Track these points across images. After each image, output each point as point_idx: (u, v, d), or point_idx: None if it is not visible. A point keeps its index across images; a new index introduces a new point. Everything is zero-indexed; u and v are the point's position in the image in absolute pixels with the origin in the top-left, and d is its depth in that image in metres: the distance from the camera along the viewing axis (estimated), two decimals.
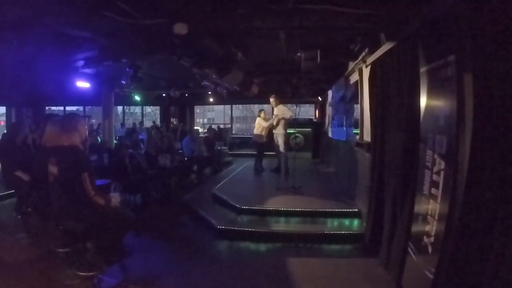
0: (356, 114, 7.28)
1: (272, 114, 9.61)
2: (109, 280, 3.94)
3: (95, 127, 13.93)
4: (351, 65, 6.66)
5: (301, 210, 6.01)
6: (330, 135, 11.05)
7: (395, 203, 3.85)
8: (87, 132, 4.27)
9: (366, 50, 5.16)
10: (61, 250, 4.29)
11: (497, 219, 2.36)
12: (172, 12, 4.36)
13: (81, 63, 7.36)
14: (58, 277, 3.94)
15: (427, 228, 3.03)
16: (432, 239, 2.91)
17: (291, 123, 9.48)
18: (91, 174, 3.67)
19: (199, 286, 3.94)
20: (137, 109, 29.46)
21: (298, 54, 6.33)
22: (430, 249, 2.93)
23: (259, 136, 9.63)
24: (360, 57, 5.56)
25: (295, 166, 7.73)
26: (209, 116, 43.58)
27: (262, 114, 9.66)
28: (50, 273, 4.04)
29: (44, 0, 3.94)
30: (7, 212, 6.34)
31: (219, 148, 12.33)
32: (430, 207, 3.02)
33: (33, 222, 5.26)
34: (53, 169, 3.65)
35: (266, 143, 9.79)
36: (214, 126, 17.25)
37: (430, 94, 3.16)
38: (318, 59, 6.09)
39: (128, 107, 27.82)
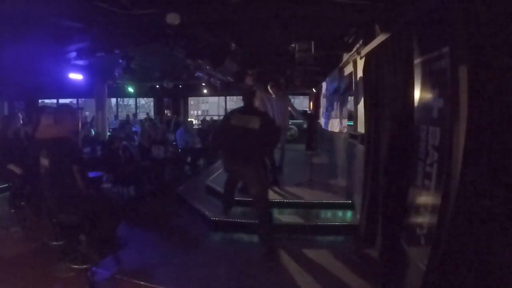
0: (350, 105, 7.26)
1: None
2: (103, 272, 3.94)
3: (89, 119, 13.85)
4: (346, 56, 6.64)
5: (295, 202, 6.03)
6: (324, 126, 11.05)
7: (389, 194, 3.86)
8: (79, 124, 4.23)
9: (361, 41, 5.14)
10: (54, 243, 4.27)
11: (490, 211, 2.37)
12: (164, 2, 4.31)
13: (73, 54, 7.28)
14: (52, 270, 3.93)
15: (420, 219, 3.04)
16: (424, 230, 2.93)
17: None
18: (82, 166, 3.65)
19: (193, 278, 3.95)
20: (131, 101, 29.36)
21: (292, 45, 6.29)
22: (422, 241, 2.95)
23: None
24: (355, 49, 5.54)
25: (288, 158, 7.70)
26: (203, 107, 43.52)
27: None
28: (44, 266, 4.03)
29: None
30: (0, 206, 6.30)
31: None
32: (423, 198, 3.03)
33: (26, 215, 5.22)
34: (44, 162, 3.62)
35: None
36: (208, 118, 17.20)
37: (424, 86, 3.15)
38: (312, 50, 6.06)
39: (121, 99, 27.70)
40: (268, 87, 7.88)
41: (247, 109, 4.91)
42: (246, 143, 4.62)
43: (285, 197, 6.19)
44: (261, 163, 4.93)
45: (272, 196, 6.27)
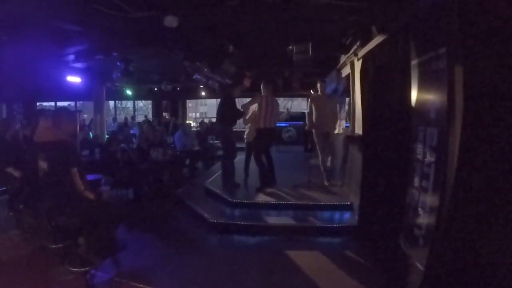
0: (348, 107, 7.27)
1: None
2: (102, 275, 3.92)
3: (87, 122, 13.84)
4: (343, 58, 6.67)
5: (293, 203, 6.03)
6: None
7: (387, 195, 3.87)
8: (77, 127, 4.23)
9: (358, 43, 5.16)
10: (53, 246, 4.26)
11: (487, 210, 2.39)
12: (162, 5, 4.32)
13: (72, 57, 7.29)
14: (51, 273, 3.92)
15: (418, 220, 3.05)
16: (423, 231, 2.93)
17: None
18: (81, 169, 3.64)
19: (192, 280, 3.94)
20: (129, 104, 29.38)
21: (290, 47, 6.31)
22: (421, 241, 2.96)
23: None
24: (352, 50, 5.56)
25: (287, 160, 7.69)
26: (202, 110, 43.48)
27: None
28: (43, 270, 4.02)
29: None
30: None
31: (211, 142, 12.29)
32: (421, 199, 3.04)
33: (25, 218, 5.21)
34: (43, 165, 3.62)
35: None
36: (206, 120, 17.18)
37: (421, 87, 3.17)
38: (310, 52, 6.07)
39: (120, 102, 27.68)
40: (318, 86, 7.67)
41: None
42: (225, 113, 6.94)
43: (284, 199, 6.19)
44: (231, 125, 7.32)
45: (270, 198, 6.28)
